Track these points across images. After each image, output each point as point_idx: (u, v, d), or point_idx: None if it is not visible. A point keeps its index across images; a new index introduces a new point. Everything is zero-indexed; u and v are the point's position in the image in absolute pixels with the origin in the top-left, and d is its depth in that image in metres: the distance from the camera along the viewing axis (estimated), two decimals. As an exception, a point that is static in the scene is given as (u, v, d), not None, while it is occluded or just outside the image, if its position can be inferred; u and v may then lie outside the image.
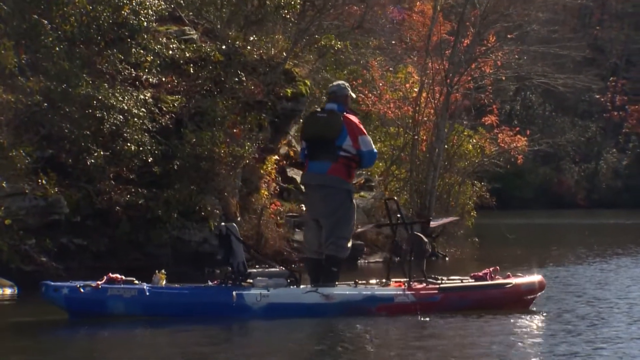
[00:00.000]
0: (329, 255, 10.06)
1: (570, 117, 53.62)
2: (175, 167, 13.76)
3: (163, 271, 9.56)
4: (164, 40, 14.94)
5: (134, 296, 9.15)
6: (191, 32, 15.97)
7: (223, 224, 9.90)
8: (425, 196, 18.14)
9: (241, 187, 15.09)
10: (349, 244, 10.28)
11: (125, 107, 13.05)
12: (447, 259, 17.79)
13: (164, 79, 14.52)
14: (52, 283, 9.37)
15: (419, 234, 10.26)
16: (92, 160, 12.80)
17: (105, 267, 12.93)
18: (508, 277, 10.33)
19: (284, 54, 15.87)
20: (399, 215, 10.49)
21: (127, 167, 13.36)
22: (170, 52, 14.68)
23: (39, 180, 12.43)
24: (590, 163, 53.44)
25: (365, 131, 10.37)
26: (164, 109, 14.21)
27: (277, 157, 16.48)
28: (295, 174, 17.53)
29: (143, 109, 13.42)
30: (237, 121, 14.49)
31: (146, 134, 13.37)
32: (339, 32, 19.31)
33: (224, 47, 15.30)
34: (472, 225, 20.80)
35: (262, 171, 15.67)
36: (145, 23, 13.72)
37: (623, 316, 9.77)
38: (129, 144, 13.12)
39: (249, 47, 15.38)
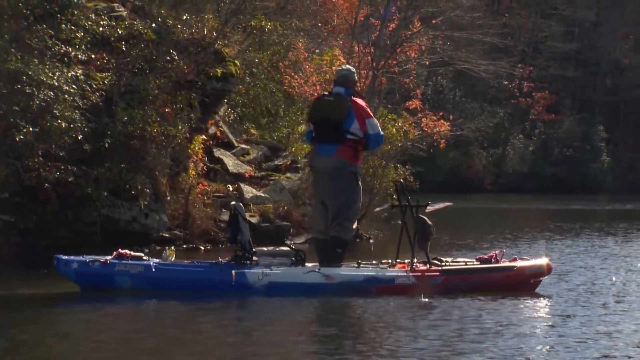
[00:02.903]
0: (334, 236, 10.25)
1: (480, 102, 54.38)
2: (106, 145, 13.62)
3: (173, 248, 9.94)
4: (94, 16, 14.75)
5: (141, 272, 9.47)
6: (120, 9, 15.79)
7: (233, 202, 10.15)
8: (350, 178, 18.18)
9: (170, 166, 15.03)
10: (354, 226, 10.52)
11: (56, 84, 12.82)
12: (371, 241, 17.88)
13: (93, 56, 14.32)
14: (64, 257, 9.55)
15: (423, 216, 10.41)
16: (21, 137, 12.54)
17: (32, 244, 12.88)
18: (514, 260, 10.54)
19: (214, 33, 15.80)
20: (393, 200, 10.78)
21: (56, 144, 13.14)
22: (101, 29, 14.49)
23: (-32, 156, 12.21)
24: (497, 148, 54.27)
25: (372, 114, 10.52)
26: (94, 86, 14.04)
27: (205, 137, 16.43)
28: (222, 154, 17.49)
29: (74, 86, 13.23)
30: (168, 100, 14.41)
31: (76, 111, 13.18)
32: (263, 12, 19.25)
33: (153, 25, 15.16)
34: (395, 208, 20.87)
35: (189, 151, 15.61)
36: (75, -1, 13.54)
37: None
38: (58, 121, 12.88)
39: (179, 26, 15.26)
